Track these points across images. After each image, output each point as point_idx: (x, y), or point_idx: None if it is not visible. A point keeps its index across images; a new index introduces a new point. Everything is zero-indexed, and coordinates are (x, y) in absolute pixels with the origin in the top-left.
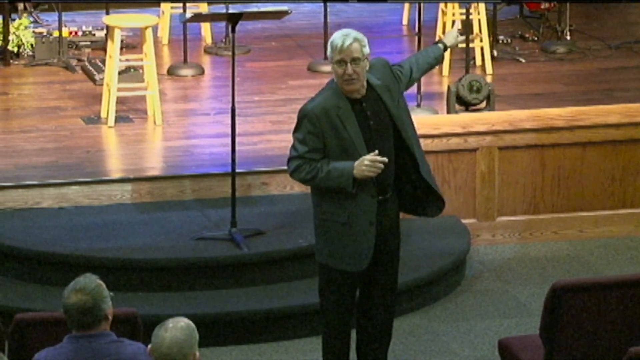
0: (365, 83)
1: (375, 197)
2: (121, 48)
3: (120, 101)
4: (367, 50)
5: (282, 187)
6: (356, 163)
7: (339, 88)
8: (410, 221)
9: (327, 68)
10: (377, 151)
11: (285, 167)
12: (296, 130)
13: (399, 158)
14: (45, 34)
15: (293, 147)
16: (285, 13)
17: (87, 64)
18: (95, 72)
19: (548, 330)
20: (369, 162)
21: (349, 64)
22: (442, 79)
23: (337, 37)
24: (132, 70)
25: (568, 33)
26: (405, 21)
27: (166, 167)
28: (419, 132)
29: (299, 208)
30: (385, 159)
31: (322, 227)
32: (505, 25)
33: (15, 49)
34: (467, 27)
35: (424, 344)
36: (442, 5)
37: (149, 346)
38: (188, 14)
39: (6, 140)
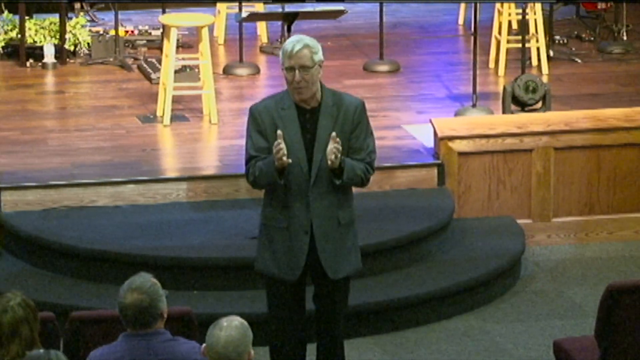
0: (319, 95)
1: (309, 205)
2: (177, 47)
3: (176, 100)
4: (318, 57)
5: None
6: (276, 162)
7: (287, 93)
8: (465, 222)
9: (383, 68)
10: (279, 132)
11: None
12: (247, 130)
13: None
14: (101, 32)
15: (245, 146)
16: (341, 12)
17: (143, 62)
18: (151, 71)
19: (603, 331)
20: (274, 148)
21: (297, 71)
22: (498, 79)
23: (288, 43)
24: (188, 69)
25: (624, 33)
26: (461, 21)
27: (221, 166)
28: (474, 132)
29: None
30: (283, 150)
31: (263, 232)
32: (561, 25)
33: (72, 48)
34: (523, 27)
35: (478, 344)
36: (498, 5)
37: (203, 345)
38: (244, 13)
39: (62, 138)
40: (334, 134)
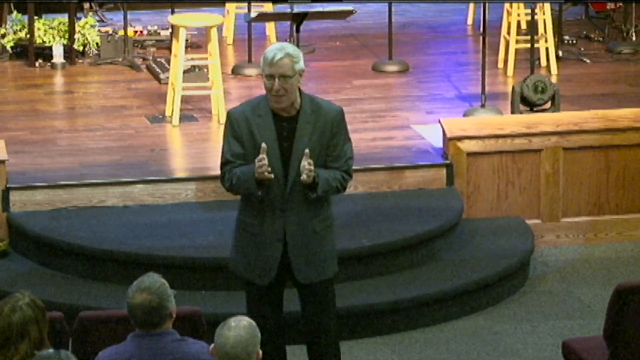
0: (297, 103)
1: (283, 213)
2: (186, 47)
3: (185, 100)
4: (299, 67)
5: None
6: (256, 175)
7: (265, 99)
8: (474, 222)
9: (392, 68)
10: (264, 146)
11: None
12: (223, 133)
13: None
14: (110, 33)
15: (222, 149)
16: (350, 13)
17: (152, 63)
18: (160, 71)
19: (612, 331)
20: (256, 162)
21: (276, 80)
22: (507, 79)
23: (270, 50)
24: (197, 69)
25: (634, 33)
26: (470, 21)
27: None
28: (483, 132)
29: (362, 208)
30: (266, 166)
31: (238, 236)
32: (570, 25)
33: (81, 48)
34: (532, 27)
35: (487, 344)
36: (507, 5)
37: (212, 345)
38: (253, 14)
39: (71, 138)
40: (307, 151)
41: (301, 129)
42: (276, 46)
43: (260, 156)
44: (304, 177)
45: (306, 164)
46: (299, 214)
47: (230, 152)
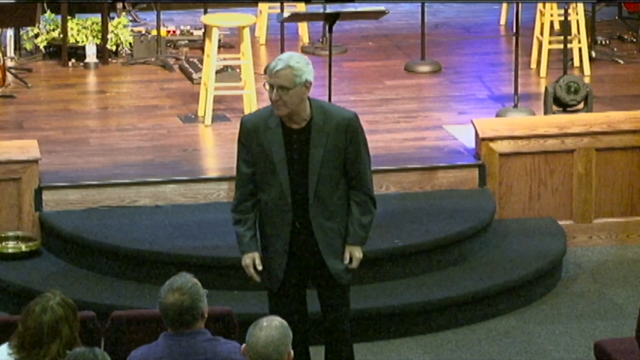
0: (307, 114)
1: (290, 225)
2: (219, 47)
3: (217, 100)
4: (301, 79)
5: (377, 186)
6: (247, 259)
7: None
8: (506, 222)
9: (425, 68)
10: (258, 260)
11: (381, 167)
12: (238, 138)
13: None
14: (143, 32)
15: (237, 161)
16: (382, 13)
17: (184, 62)
18: (192, 71)
19: None
20: (245, 267)
21: (275, 90)
22: (540, 80)
23: (275, 60)
24: (229, 69)
25: None
26: (502, 21)
27: None
28: (516, 132)
29: (394, 208)
30: (257, 279)
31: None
32: (603, 26)
33: (114, 48)
34: (565, 28)
35: (519, 345)
36: (540, 5)
37: (243, 345)
38: (285, 14)
39: (104, 138)
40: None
41: (315, 139)
42: (283, 56)
43: (250, 271)
44: (355, 264)
45: (355, 261)
46: (323, 223)
47: (241, 156)
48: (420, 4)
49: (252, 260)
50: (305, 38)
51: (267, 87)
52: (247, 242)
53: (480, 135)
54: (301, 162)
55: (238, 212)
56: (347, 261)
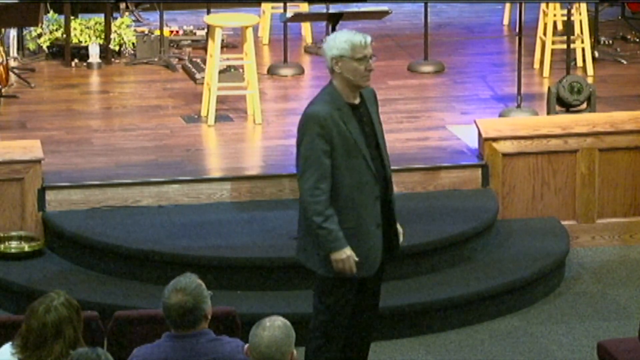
0: None
1: (378, 199)
2: (222, 47)
3: (220, 100)
4: None
5: None
6: (347, 251)
7: (336, 92)
8: (509, 223)
9: (428, 68)
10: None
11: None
12: (304, 134)
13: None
14: (146, 32)
15: (303, 156)
16: (385, 13)
17: (187, 63)
18: (195, 71)
19: None
20: (346, 259)
21: (370, 60)
22: (543, 80)
23: (353, 36)
24: (232, 69)
25: None
26: (506, 21)
27: (265, 167)
28: (519, 132)
29: (397, 208)
30: (355, 270)
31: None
32: (606, 26)
33: (117, 48)
34: (568, 28)
35: (521, 345)
36: (543, 5)
37: (246, 345)
38: (288, 14)
39: (107, 138)
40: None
41: (372, 111)
42: (351, 32)
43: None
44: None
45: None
46: (388, 193)
47: (318, 149)
48: (423, 4)
49: (351, 252)
50: (308, 38)
51: (356, 64)
52: (342, 237)
53: (484, 136)
54: (372, 135)
55: (327, 207)
56: (402, 237)
